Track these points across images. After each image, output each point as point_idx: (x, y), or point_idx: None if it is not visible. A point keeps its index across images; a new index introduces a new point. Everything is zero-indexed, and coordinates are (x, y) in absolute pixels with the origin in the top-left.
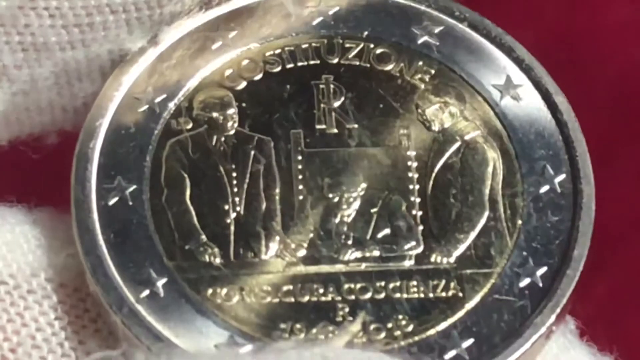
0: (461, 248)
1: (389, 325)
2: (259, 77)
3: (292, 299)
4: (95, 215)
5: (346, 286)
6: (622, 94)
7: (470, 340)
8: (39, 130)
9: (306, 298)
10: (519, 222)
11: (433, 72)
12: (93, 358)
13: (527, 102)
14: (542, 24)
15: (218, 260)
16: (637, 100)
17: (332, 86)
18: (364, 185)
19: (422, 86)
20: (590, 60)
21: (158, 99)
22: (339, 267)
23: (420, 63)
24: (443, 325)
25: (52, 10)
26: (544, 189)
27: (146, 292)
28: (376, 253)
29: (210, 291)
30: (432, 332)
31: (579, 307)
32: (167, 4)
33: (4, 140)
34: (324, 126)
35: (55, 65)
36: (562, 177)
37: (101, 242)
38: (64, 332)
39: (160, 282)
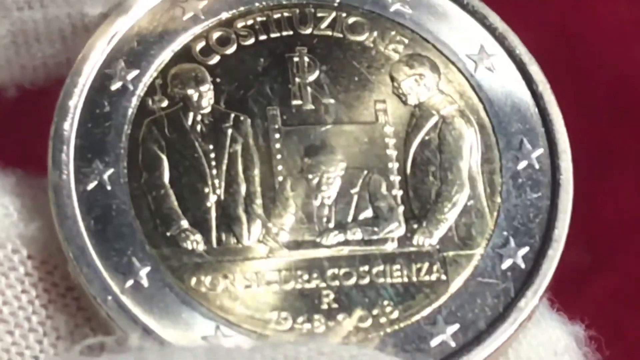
0: (443, 229)
1: (375, 312)
2: (232, 50)
3: (277, 287)
4: (75, 202)
5: (330, 272)
6: (622, 94)
7: (456, 326)
8: None
9: (291, 285)
10: (499, 200)
11: (406, 41)
12: (87, 343)
13: (502, 73)
14: (542, 24)
15: (201, 247)
16: (636, 100)
17: (306, 59)
18: (343, 164)
19: (396, 57)
20: (589, 61)
21: (131, 76)
22: (322, 252)
23: (393, 33)
24: (428, 311)
25: None
26: (522, 164)
27: (130, 282)
28: (359, 236)
29: (194, 280)
30: (417, 317)
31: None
32: None
33: None
34: (300, 102)
35: (12, 25)
36: (539, 151)
37: (82, 229)
38: (31, 305)
39: (144, 271)
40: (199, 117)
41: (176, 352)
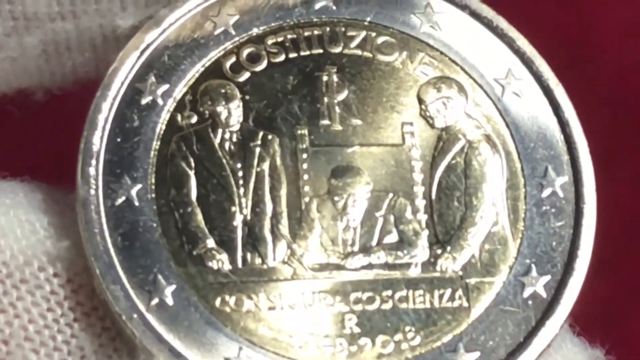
0: (466, 255)
1: (396, 337)
2: (262, 67)
3: (301, 310)
4: (102, 217)
5: (353, 295)
6: (622, 95)
7: (477, 354)
8: (26, 87)
9: (314, 308)
10: (522, 227)
11: (435, 63)
12: None
13: (529, 98)
14: (544, 24)
15: (226, 267)
16: (636, 101)
17: (335, 78)
18: (369, 187)
19: (425, 79)
20: (590, 61)
21: (161, 90)
22: (346, 275)
23: (423, 54)
24: (449, 337)
25: None
26: (547, 192)
27: (155, 300)
28: (382, 260)
29: (219, 300)
30: (438, 343)
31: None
32: None
33: None
34: (328, 122)
35: (44, 35)
36: (564, 179)
37: (109, 245)
38: (56, 324)
39: (169, 290)
40: (227, 135)
41: None
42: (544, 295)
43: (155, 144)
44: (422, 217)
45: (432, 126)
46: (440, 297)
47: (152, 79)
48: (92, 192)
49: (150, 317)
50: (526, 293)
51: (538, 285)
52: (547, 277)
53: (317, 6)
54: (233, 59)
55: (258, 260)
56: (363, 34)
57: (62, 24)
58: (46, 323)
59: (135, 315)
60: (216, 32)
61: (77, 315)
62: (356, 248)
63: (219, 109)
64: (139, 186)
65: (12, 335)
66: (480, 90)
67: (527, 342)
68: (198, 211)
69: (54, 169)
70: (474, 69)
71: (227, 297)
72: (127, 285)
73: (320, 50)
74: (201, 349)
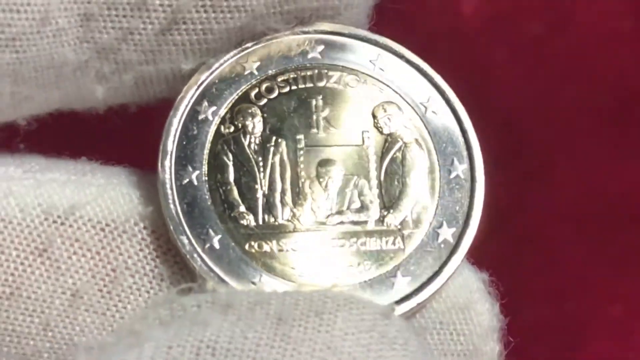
0: (402, 215)
1: (359, 268)
2: (274, 95)
3: (299, 250)
4: (175, 192)
5: (333, 242)
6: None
7: (408, 278)
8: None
9: (309, 250)
10: (437, 197)
11: (382, 92)
12: (181, 287)
13: (442, 115)
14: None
15: (252, 224)
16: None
17: (320, 102)
18: (342, 172)
19: (377, 102)
20: (579, 74)
21: (210, 111)
22: (328, 228)
23: (375, 86)
24: (391, 267)
25: (137, 41)
26: (453, 175)
27: (208, 245)
28: (350, 219)
29: (247, 245)
30: (383, 271)
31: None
32: (212, 44)
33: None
34: (316, 130)
35: (135, 74)
36: (464, 167)
37: (179, 210)
38: (145, 259)
39: (216, 239)
40: (252, 139)
41: (236, 292)
42: (451, 240)
43: (207, 146)
44: (375, 191)
45: (381, 133)
46: (386, 242)
47: (205, 103)
48: (167, 176)
49: (205, 256)
50: (440, 239)
51: (447, 234)
52: (453, 229)
53: (310, 56)
54: (256, 90)
55: (272, 219)
56: (338, 74)
57: (147, 67)
58: (139, 258)
59: (195, 255)
60: (245, 73)
61: (159, 254)
62: (334, 211)
63: (247, 122)
64: (197, 172)
65: (117, 265)
66: (412, 110)
67: (440, 270)
68: (234, 188)
69: (141, 162)
70: (407, 95)
71: (252, 243)
72: (190, 236)
73: (311, 85)
74: (236, 276)
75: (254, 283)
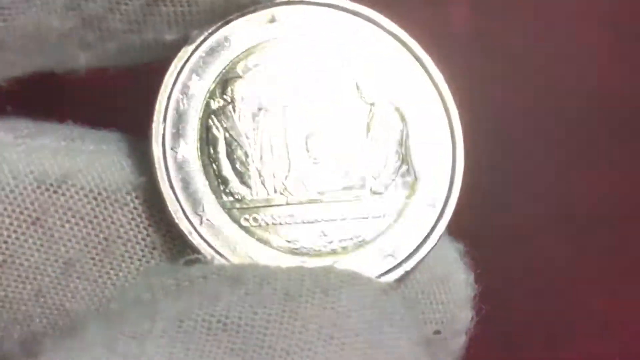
0: (390, 184)
1: (349, 236)
2: (262, 68)
3: (291, 222)
4: (170, 169)
5: (322, 211)
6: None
7: (396, 245)
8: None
9: (298, 220)
10: (421, 167)
11: (364, 61)
12: (185, 259)
13: (421, 85)
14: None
15: (247, 198)
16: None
17: (309, 74)
18: (330, 143)
19: (360, 75)
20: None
21: (199, 85)
22: (319, 199)
23: (357, 54)
24: (382, 237)
25: (123, 11)
26: (433, 143)
27: (204, 219)
28: (341, 189)
29: (242, 219)
30: (375, 241)
31: None
32: (197, 16)
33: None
34: (302, 100)
35: (118, 43)
36: (443, 135)
37: (174, 186)
38: (137, 228)
39: (212, 214)
40: (241, 112)
41: (242, 266)
42: (436, 208)
43: (198, 121)
44: (362, 161)
45: (365, 102)
46: (374, 210)
47: (194, 77)
48: (161, 153)
49: (201, 232)
50: (424, 206)
51: (433, 202)
52: (437, 197)
53: (291, 28)
54: (242, 62)
55: (265, 193)
56: (323, 46)
57: (131, 36)
58: (130, 227)
59: (192, 231)
60: (230, 45)
61: (150, 223)
62: (325, 182)
63: (236, 95)
64: (190, 148)
65: (109, 234)
66: (394, 80)
67: (426, 238)
68: (227, 163)
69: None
70: (390, 66)
71: (247, 217)
72: (186, 212)
73: (297, 56)
74: (233, 251)
75: (250, 257)
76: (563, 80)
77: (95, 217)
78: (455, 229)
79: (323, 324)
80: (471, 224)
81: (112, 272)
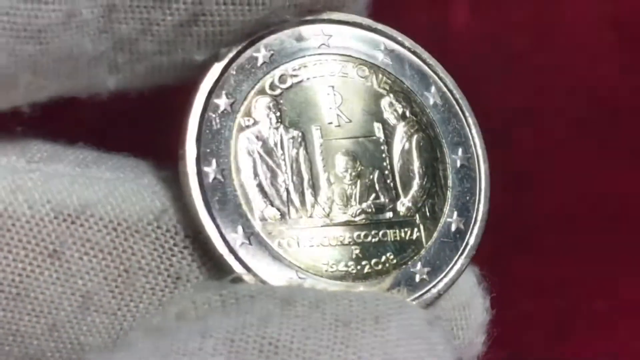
0: (418, 206)
1: (383, 259)
2: (288, 85)
3: (327, 244)
4: (207, 189)
5: (355, 233)
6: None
7: (429, 268)
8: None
9: (334, 243)
10: (449, 187)
11: (390, 82)
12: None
13: (447, 108)
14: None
15: (280, 219)
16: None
17: (334, 94)
18: (359, 165)
19: (386, 93)
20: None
21: (229, 104)
22: (350, 221)
23: (382, 76)
24: (413, 258)
25: (154, 32)
26: (460, 164)
27: (240, 241)
28: (371, 210)
29: (278, 242)
30: (406, 262)
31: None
32: (227, 36)
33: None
34: (331, 122)
35: (147, 64)
36: (469, 156)
37: (211, 207)
38: (162, 265)
39: (249, 235)
40: (272, 132)
41: (291, 288)
42: (464, 230)
43: (232, 140)
44: (391, 182)
45: (391, 123)
46: (405, 233)
47: (224, 96)
48: (195, 172)
49: (240, 252)
50: (453, 229)
51: (460, 224)
52: (464, 219)
53: (319, 45)
54: (270, 80)
55: (298, 215)
56: (348, 63)
57: (160, 57)
58: (152, 258)
59: (230, 254)
60: (258, 64)
61: (174, 252)
62: (356, 204)
63: (265, 115)
64: (224, 168)
65: (130, 265)
66: (419, 101)
67: (458, 259)
68: (261, 185)
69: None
70: (414, 87)
71: (283, 240)
72: (225, 233)
73: (322, 75)
74: (272, 274)
75: (288, 279)
76: (563, 80)
77: (115, 248)
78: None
79: (374, 352)
80: None
81: (132, 304)
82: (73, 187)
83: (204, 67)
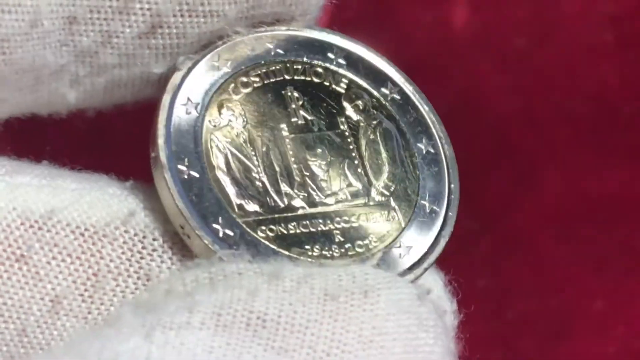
0: (391, 190)
1: (365, 241)
2: (250, 90)
3: (307, 230)
4: (183, 186)
5: (335, 219)
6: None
7: (411, 247)
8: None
9: (314, 229)
10: (418, 172)
11: (347, 82)
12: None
13: (404, 100)
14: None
15: (258, 210)
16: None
17: (295, 93)
18: (328, 156)
19: (344, 92)
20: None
21: (196, 107)
22: (328, 208)
23: (338, 77)
24: (394, 238)
25: (114, 44)
26: (425, 151)
27: (223, 231)
28: (346, 196)
29: (259, 230)
30: (388, 242)
31: None
32: (184, 48)
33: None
34: (296, 119)
35: (107, 78)
36: (434, 142)
37: (188, 203)
38: (132, 267)
39: (231, 225)
40: (240, 131)
41: (279, 264)
42: (439, 210)
43: (201, 140)
44: (361, 170)
45: (353, 118)
46: (384, 215)
47: (189, 101)
48: (168, 172)
49: (222, 243)
50: (428, 210)
51: (434, 205)
52: (438, 200)
53: (273, 53)
54: (232, 85)
55: (275, 204)
56: (303, 67)
57: (120, 70)
58: (121, 261)
59: (214, 240)
60: (219, 71)
61: (143, 255)
62: (329, 192)
63: (231, 116)
64: (197, 165)
65: (99, 269)
66: (376, 96)
67: (438, 237)
68: (233, 179)
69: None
70: (370, 84)
71: (263, 228)
72: (206, 224)
73: (281, 78)
74: (258, 259)
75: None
76: (563, 80)
77: (83, 252)
78: (456, 229)
79: (363, 326)
80: (471, 224)
81: (102, 307)
82: (39, 196)
83: (164, 79)
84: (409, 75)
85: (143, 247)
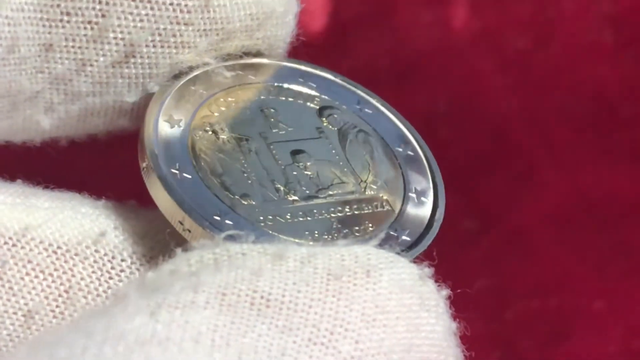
0: (379, 184)
1: (362, 227)
2: (229, 109)
3: (304, 219)
4: (175, 184)
5: (330, 209)
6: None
7: (407, 230)
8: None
9: (311, 217)
10: (400, 169)
11: (319, 99)
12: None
13: (375, 112)
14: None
15: (254, 204)
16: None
17: (271, 110)
18: (312, 158)
19: (317, 107)
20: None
21: (179, 122)
22: (321, 200)
23: (310, 96)
24: (389, 224)
25: (88, 72)
26: (405, 153)
27: (225, 222)
28: (336, 191)
29: (257, 219)
30: (385, 227)
31: None
32: (155, 78)
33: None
34: (277, 130)
35: (80, 105)
36: (412, 146)
37: (186, 197)
38: (101, 287)
39: (229, 217)
40: (224, 139)
41: (282, 244)
42: (427, 200)
43: (188, 147)
44: (347, 169)
45: (331, 128)
46: (376, 206)
47: (172, 117)
48: (163, 171)
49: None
50: (417, 200)
51: (422, 196)
52: (425, 191)
53: (244, 80)
54: (212, 105)
55: (270, 199)
56: (276, 89)
57: (93, 99)
58: (91, 280)
59: (220, 233)
60: (196, 95)
61: (112, 275)
62: (320, 187)
63: (215, 128)
64: (188, 168)
65: (70, 286)
66: (349, 109)
67: (431, 221)
68: (225, 180)
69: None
70: (341, 101)
71: (261, 217)
72: (207, 216)
73: (257, 98)
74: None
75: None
76: (563, 80)
77: (56, 269)
78: (456, 229)
79: (366, 305)
80: (471, 224)
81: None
82: (13, 214)
83: (137, 109)
84: (408, 75)
85: (112, 267)
